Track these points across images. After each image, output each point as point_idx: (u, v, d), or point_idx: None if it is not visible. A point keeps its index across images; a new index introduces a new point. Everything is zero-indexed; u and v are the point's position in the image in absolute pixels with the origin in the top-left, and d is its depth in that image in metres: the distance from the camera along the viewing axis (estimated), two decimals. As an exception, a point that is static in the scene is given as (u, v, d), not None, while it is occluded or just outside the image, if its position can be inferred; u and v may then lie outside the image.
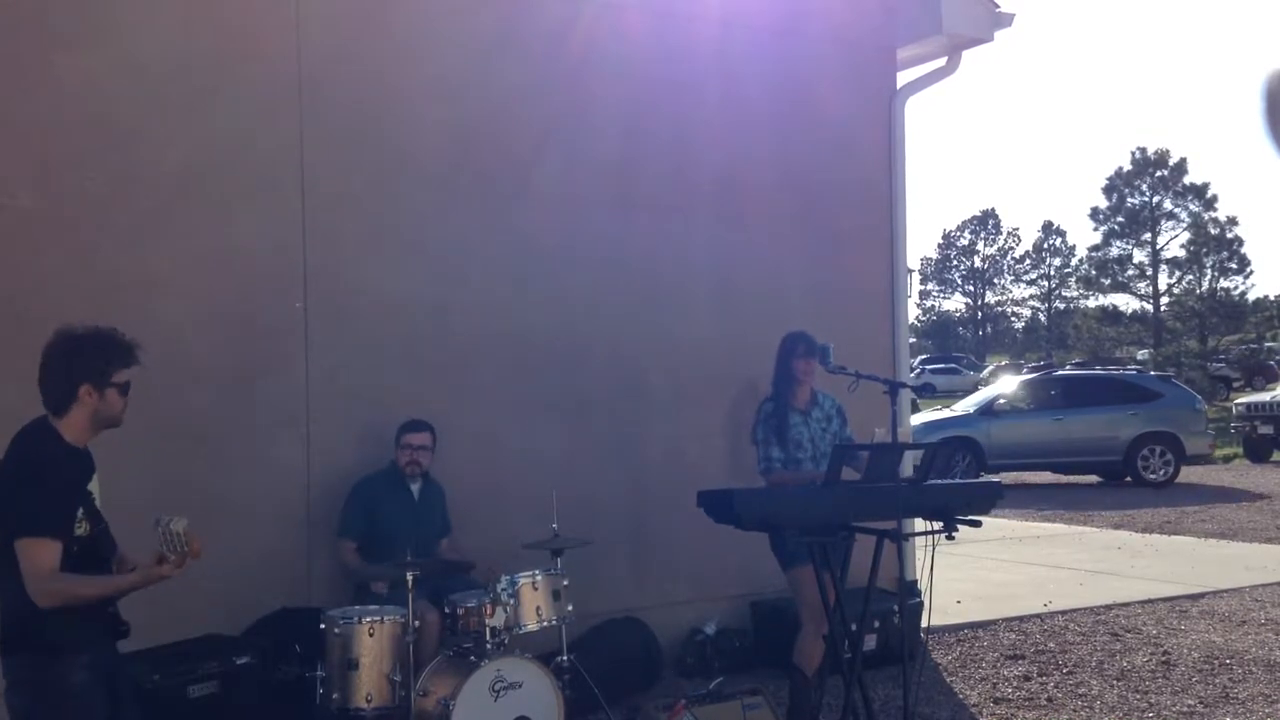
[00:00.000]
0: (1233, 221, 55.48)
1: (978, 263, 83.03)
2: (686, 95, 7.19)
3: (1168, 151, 58.46)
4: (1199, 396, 19.22)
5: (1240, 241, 55.26)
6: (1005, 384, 21.29)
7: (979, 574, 10.06)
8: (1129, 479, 17.76)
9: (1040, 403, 18.89)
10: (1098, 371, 22.06)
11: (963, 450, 17.89)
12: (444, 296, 6.34)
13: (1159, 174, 58.64)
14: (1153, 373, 21.68)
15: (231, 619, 5.51)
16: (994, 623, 8.08)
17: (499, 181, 6.53)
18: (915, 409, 21.39)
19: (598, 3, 6.87)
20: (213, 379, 5.69)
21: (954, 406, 20.61)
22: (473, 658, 4.97)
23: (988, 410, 18.67)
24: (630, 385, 6.92)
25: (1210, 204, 57.14)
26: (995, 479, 5.70)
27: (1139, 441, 17.68)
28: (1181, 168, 58.26)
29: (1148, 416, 17.74)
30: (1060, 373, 23.28)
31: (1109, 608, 8.52)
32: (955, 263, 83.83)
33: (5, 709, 3.41)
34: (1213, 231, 55.06)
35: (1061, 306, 75.62)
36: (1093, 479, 18.48)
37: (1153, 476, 17.56)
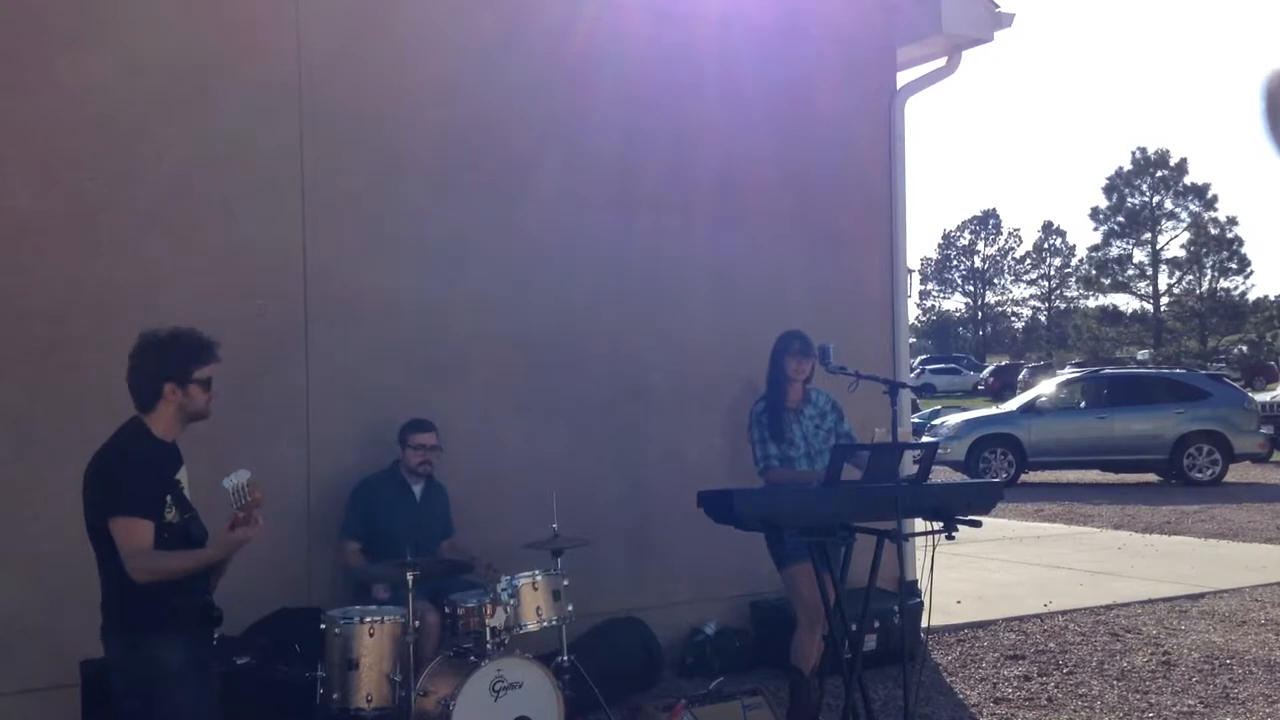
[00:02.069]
0: (1233, 221, 55.54)
1: (978, 263, 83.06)
2: (686, 95, 7.19)
3: (1168, 151, 58.53)
4: (1249, 395, 19.12)
5: (1240, 241, 55.31)
6: (1048, 382, 21.37)
7: (979, 574, 10.06)
8: (1174, 479, 17.79)
9: (1084, 401, 18.90)
10: (1145, 370, 22.23)
11: (1000, 447, 17.94)
12: (444, 296, 6.34)
13: (1159, 174, 58.68)
14: (1202, 372, 21.69)
15: (231, 619, 5.47)
16: (994, 623, 8.08)
17: (499, 181, 6.53)
18: (915, 409, 21.55)
19: (598, 3, 6.87)
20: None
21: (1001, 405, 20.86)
22: (473, 658, 4.97)
23: (1030, 408, 18.69)
24: (630, 385, 6.92)
25: (1210, 204, 57.17)
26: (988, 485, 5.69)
27: (1185, 440, 17.64)
28: (1181, 168, 58.29)
29: (1194, 415, 17.67)
30: (1107, 371, 23.38)
31: (1109, 608, 8.52)
32: (955, 263, 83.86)
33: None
34: (1213, 231, 55.08)
35: (1062, 306, 75.68)
36: (1150, 477, 18.36)
37: (1199, 475, 17.52)
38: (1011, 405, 19.84)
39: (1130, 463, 18.08)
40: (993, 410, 20.69)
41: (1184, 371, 21.28)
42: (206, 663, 3.71)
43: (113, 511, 3.48)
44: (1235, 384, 19.87)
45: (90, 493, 3.56)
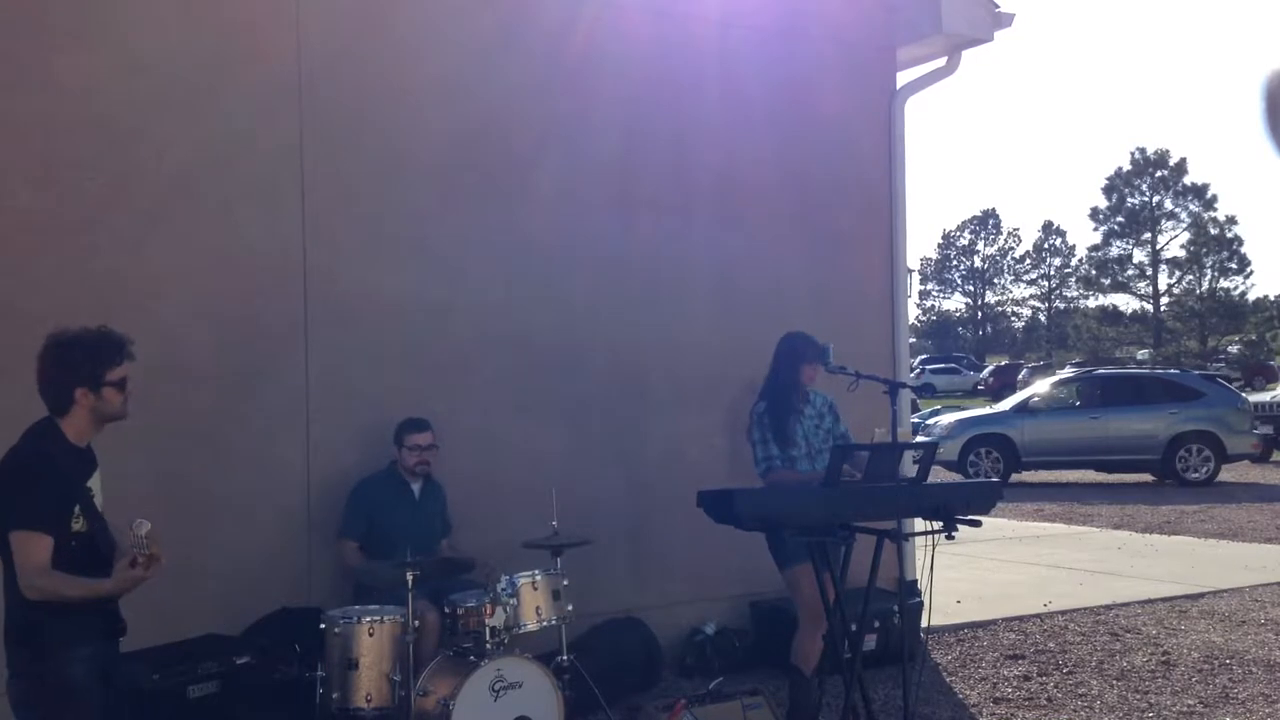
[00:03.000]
0: (1232, 221, 55.48)
1: (978, 263, 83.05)
2: (686, 95, 7.19)
3: (1167, 151, 58.47)
4: (1243, 396, 19.06)
5: (1240, 241, 55.25)
6: (1042, 382, 21.48)
7: (979, 574, 10.06)
8: (1168, 479, 17.84)
9: (1077, 401, 18.95)
10: (1138, 370, 22.26)
11: (987, 447, 17.93)
12: (444, 296, 6.34)
13: (1159, 174, 58.65)
14: (1196, 372, 21.68)
15: (231, 619, 5.50)
16: (994, 623, 8.08)
17: (499, 181, 6.53)
18: (915, 409, 21.59)
19: (598, 3, 6.87)
20: (213, 379, 5.69)
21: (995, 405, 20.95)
22: (473, 658, 4.97)
23: (1023, 408, 18.72)
24: (630, 385, 6.92)
25: (1210, 204, 57.13)
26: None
27: (1177, 441, 17.62)
28: (1181, 168, 58.26)
29: (1187, 415, 17.64)
30: (1100, 371, 23.43)
31: (1109, 608, 8.52)
32: (955, 263, 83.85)
33: (7, 701, 3.46)
34: (1213, 231, 55.05)
35: (1061, 306, 75.67)
36: (1146, 477, 18.29)
37: (1192, 476, 17.52)
38: (1005, 405, 19.88)
39: (1123, 463, 18.08)
40: (986, 410, 20.70)
41: (1178, 372, 21.29)
42: (111, 676, 3.56)
43: (13, 525, 3.35)
44: (1230, 384, 19.78)
45: None
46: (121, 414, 3.59)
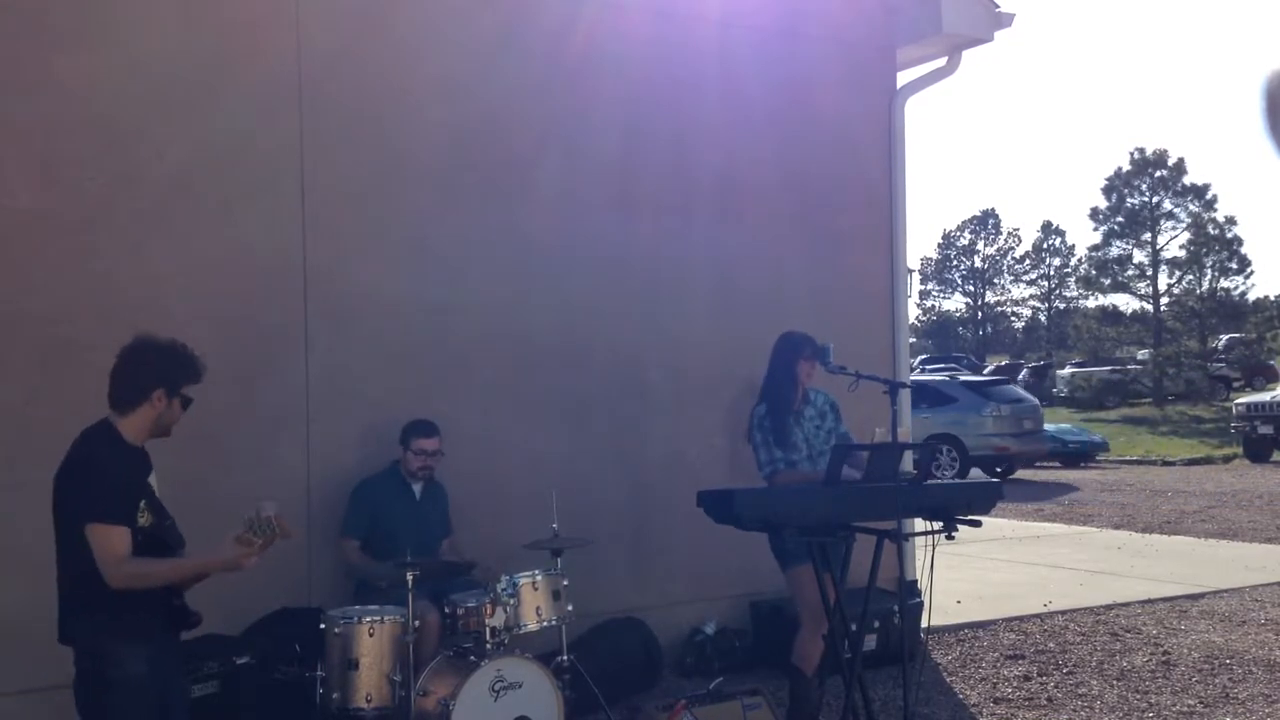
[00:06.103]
0: (1232, 221, 55.38)
1: (978, 263, 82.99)
2: (686, 95, 7.19)
3: (1166, 152, 58.37)
4: (996, 405, 19.84)
5: (1240, 241, 55.14)
6: None
7: (979, 574, 10.07)
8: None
9: None
10: (912, 379, 23.51)
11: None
12: (444, 296, 6.34)
13: (1158, 174, 58.58)
14: (962, 379, 22.92)
15: (231, 619, 5.49)
16: (994, 623, 8.08)
17: (499, 181, 6.53)
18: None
19: (598, 3, 6.87)
20: (213, 379, 5.61)
21: None
22: (473, 658, 4.97)
23: None
24: (630, 385, 6.92)
25: (1210, 204, 57.07)
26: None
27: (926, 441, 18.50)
28: (1180, 168, 58.19)
29: (935, 420, 18.94)
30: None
31: (1109, 608, 8.53)
32: (955, 263, 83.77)
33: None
34: (1213, 231, 55.00)
35: (1061, 306, 75.62)
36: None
37: (939, 475, 18.44)
38: None
39: None
40: None
41: (946, 380, 22.44)
42: (172, 671, 3.64)
43: (90, 518, 3.41)
44: (986, 390, 20.36)
45: (63, 497, 3.49)
46: (169, 429, 3.71)
